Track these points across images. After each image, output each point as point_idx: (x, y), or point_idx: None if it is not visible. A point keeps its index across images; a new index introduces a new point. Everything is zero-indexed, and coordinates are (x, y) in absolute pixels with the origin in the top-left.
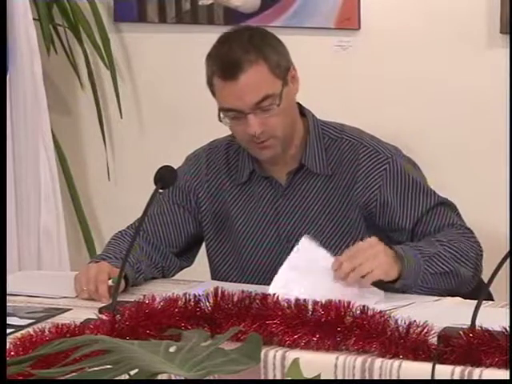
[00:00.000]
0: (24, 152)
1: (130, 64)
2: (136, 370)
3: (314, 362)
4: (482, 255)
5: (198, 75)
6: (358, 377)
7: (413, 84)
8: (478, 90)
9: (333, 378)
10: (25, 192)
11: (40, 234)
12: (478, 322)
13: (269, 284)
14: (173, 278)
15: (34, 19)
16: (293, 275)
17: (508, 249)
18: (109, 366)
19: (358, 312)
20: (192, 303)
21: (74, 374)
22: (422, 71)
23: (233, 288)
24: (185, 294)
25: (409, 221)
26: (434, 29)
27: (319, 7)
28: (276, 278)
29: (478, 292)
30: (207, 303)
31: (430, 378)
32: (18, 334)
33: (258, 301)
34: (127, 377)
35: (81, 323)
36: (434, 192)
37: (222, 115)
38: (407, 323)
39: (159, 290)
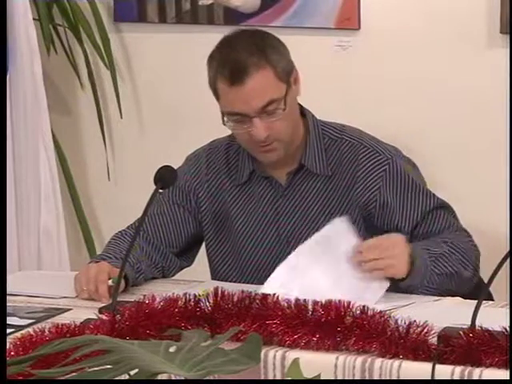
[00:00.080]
0: (24, 152)
1: (130, 64)
2: (136, 370)
3: (313, 361)
4: (479, 257)
5: (198, 75)
6: (358, 377)
7: (413, 84)
8: (478, 90)
9: (333, 378)
10: (25, 192)
11: (40, 234)
12: (478, 322)
13: None
14: (173, 277)
15: (34, 19)
16: (289, 276)
17: (508, 249)
18: (109, 366)
19: (358, 312)
20: (192, 303)
21: (73, 373)
22: (422, 71)
23: (233, 288)
24: (185, 294)
25: (408, 222)
26: (434, 29)
27: (319, 7)
28: (271, 278)
29: (478, 292)
30: (207, 303)
31: (430, 377)
32: (18, 334)
33: (257, 301)
34: (127, 377)
35: (81, 323)
36: (434, 194)
37: (226, 119)
38: (407, 323)
39: (159, 290)
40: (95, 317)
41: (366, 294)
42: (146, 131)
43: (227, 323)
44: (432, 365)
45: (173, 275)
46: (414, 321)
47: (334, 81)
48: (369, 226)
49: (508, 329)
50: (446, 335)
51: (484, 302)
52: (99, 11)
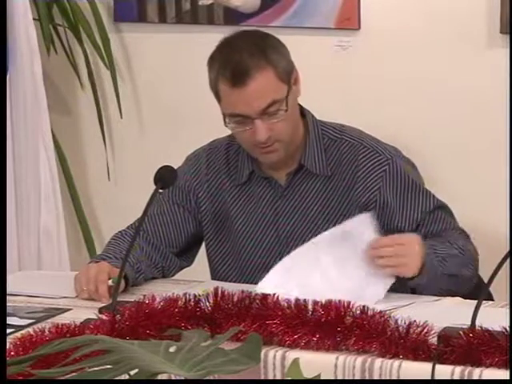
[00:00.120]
0: (24, 152)
1: (130, 64)
2: (136, 370)
3: (313, 361)
4: (478, 258)
5: (198, 75)
6: (358, 377)
7: (413, 84)
8: (478, 90)
9: (333, 378)
10: (25, 192)
11: (40, 234)
12: (478, 322)
13: None
14: (173, 277)
15: (34, 19)
16: (283, 278)
17: (508, 249)
18: (109, 366)
19: (358, 312)
20: (192, 303)
21: (74, 373)
22: (422, 71)
23: (233, 288)
24: (185, 294)
25: (408, 222)
26: (434, 29)
27: (319, 7)
28: (265, 278)
29: (478, 292)
30: (207, 303)
31: (430, 377)
32: (18, 334)
33: (257, 301)
34: (127, 377)
35: (81, 323)
36: (433, 194)
37: (227, 120)
38: (407, 323)
39: (159, 290)
40: (95, 317)
41: (369, 290)
42: (146, 131)
43: (227, 323)
44: (432, 365)
45: (173, 275)
46: (414, 321)
47: (334, 81)
48: None
49: (508, 329)
50: (445, 335)
51: (484, 302)
52: (99, 11)
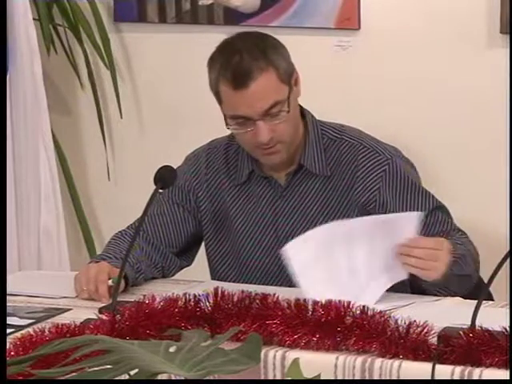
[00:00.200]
0: (24, 152)
1: (130, 64)
2: (136, 370)
3: (313, 361)
4: (479, 260)
5: (198, 75)
6: (358, 377)
7: (413, 84)
8: (478, 90)
9: (333, 378)
10: (25, 192)
11: (40, 234)
12: (478, 322)
13: (268, 284)
14: (173, 277)
15: (34, 19)
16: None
17: (508, 249)
18: (109, 366)
19: (358, 312)
20: (192, 303)
21: (74, 373)
22: (422, 71)
23: (232, 288)
24: (185, 294)
25: None
26: (434, 29)
27: (319, 7)
28: (295, 242)
29: (478, 292)
30: (207, 303)
31: (430, 377)
32: (18, 334)
33: (257, 301)
34: (127, 377)
35: (81, 323)
36: (432, 195)
37: (229, 122)
38: (407, 323)
39: (159, 290)
40: (95, 317)
41: (381, 279)
42: (146, 131)
43: (227, 323)
44: (432, 365)
45: (173, 275)
46: (414, 321)
47: (334, 81)
48: None
49: (508, 329)
50: (446, 335)
51: (484, 302)
52: (99, 11)
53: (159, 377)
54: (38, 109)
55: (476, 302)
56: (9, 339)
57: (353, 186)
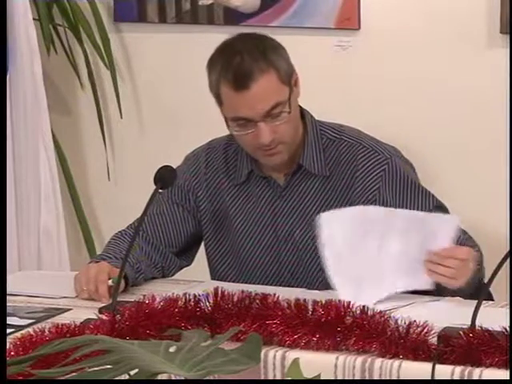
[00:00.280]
0: (24, 152)
1: (130, 64)
2: (136, 370)
3: (313, 361)
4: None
5: (198, 75)
6: (358, 377)
7: (413, 84)
8: (478, 90)
9: (333, 378)
10: (25, 192)
11: (40, 234)
12: (478, 322)
13: (267, 283)
14: (173, 277)
15: (34, 19)
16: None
17: (508, 249)
18: (109, 366)
19: (358, 312)
20: (192, 303)
21: (74, 373)
22: (422, 71)
23: (232, 288)
24: (185, 294)
25: None
26: (434, 29)
27: (319, 7)
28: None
29: (478, 292)
30: (207, 303)
31: (430, 378)
32: (18, 334)
33: (257, 301)
34: (127, 377)
35: (81, 323)
36: (433, 194)
37: (230, 124)
38: (407, 323)
39: (159, 290)
40: (95, 317)
41: (405, 280)
42: (146, 131)
43: (227, 323)
44: (432, 365)
45: (172, 275)
46: (414, 321)
47: (334, 81)
48: None
49: (508, 329)
50: (445, 335)
51: (484, 301)
52: (99, 11)
53: (159, 377)
54: (38, 109)
55: (476, 302)
56: (9, 339)
57: (352, 186)
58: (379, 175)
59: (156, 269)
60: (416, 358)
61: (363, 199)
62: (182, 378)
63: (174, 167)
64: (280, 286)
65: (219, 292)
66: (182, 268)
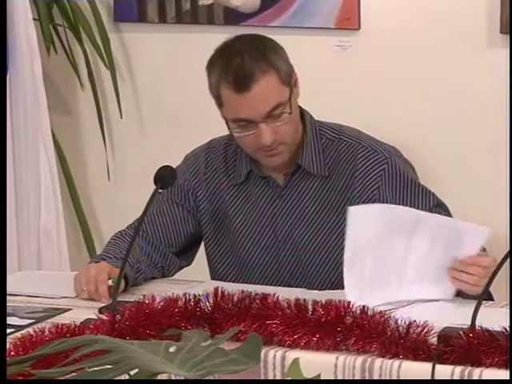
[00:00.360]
0: (24, 152)
1: (130, 64)
2: (136, 370)
3: (313, 361)
4: None
5: (198, 75)
6: (358, 377)
7: (413, 84)
8: (478, 90)
9: (333, 378)
10: (25, 192)
11: (40, 234)
12: (478, 322)
13: (267, 283)
14: (173, 277)
15: (34, 19)
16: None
17: (508, 249)
18: (109, 366)
19: (358, 312)
20: (192, 303)
21: (74, 373)
22: (422, 71)
23: (232, 288)
24: (185, 294)
25: None
26: (434, 29)
27: (319, 7)
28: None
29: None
30: (207, 303)
31: (430, 378)
32: (18, 334)
33: (258, 301)
34: (127, 377)
35: (81, 323)
36: (433, 193)
37: (231, 125)
38: (407, 323)
39: (159, 290)
40: (95, 317)
41: (428, 288)
42: (146, 131)
43: (227, 323)
44: (432, 365)
45: (172, 275)
46: (414, 321)
47: (334, 81)
48: None
49: (508, 329)
50: (445, 335)
51: (484, 301)
52: (99, 11)
53: (159, 377)
54: (38, 109)
55: (476, 301)
56: (9, 339)
57: (351, 186)
58: (379, 175)
59: (156, 269)
60: (416, 358)
61: (363, 199)
62: (182, 378)
63: (174, 167)
64: (279, 285)
65: (219, 292)
66: (181, 268)
